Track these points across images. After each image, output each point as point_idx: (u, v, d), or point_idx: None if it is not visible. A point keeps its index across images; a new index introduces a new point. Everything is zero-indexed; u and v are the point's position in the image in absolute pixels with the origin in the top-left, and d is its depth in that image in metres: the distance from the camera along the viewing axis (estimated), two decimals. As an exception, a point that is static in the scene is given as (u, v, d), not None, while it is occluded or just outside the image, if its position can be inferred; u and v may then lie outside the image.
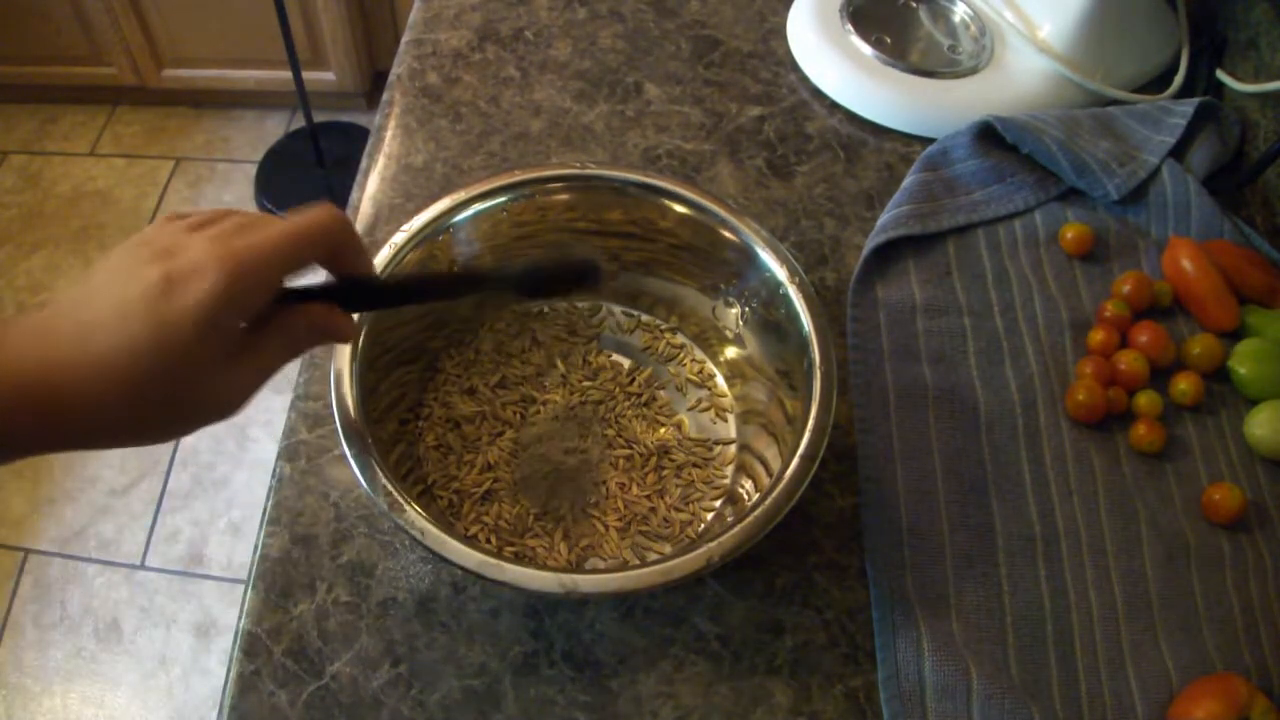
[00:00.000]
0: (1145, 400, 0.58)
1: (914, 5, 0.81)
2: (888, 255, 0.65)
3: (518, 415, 0.58)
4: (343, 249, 0.40)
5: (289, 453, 0.57)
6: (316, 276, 0.41)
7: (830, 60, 0.76)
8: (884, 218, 0.67)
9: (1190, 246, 0.62)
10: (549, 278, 0.47)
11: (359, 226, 0.68)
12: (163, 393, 0.35)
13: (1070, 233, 0.65)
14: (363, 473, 0.46)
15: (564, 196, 0.59)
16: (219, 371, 0.36)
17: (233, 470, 1.61)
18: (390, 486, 0.46)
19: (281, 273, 0.37)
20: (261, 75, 1.96)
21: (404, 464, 0.54)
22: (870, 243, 0.65)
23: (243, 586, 0.53)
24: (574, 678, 0.50)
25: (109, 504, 1.58)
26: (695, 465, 0.57)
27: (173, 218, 0.38)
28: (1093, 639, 0.51)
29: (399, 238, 0.54)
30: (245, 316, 0.37)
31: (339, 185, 1.93)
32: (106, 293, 0.35)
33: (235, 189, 1.98)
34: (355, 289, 0.42)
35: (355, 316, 0.46)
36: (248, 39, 1.88)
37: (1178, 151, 0.68)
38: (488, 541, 0.54)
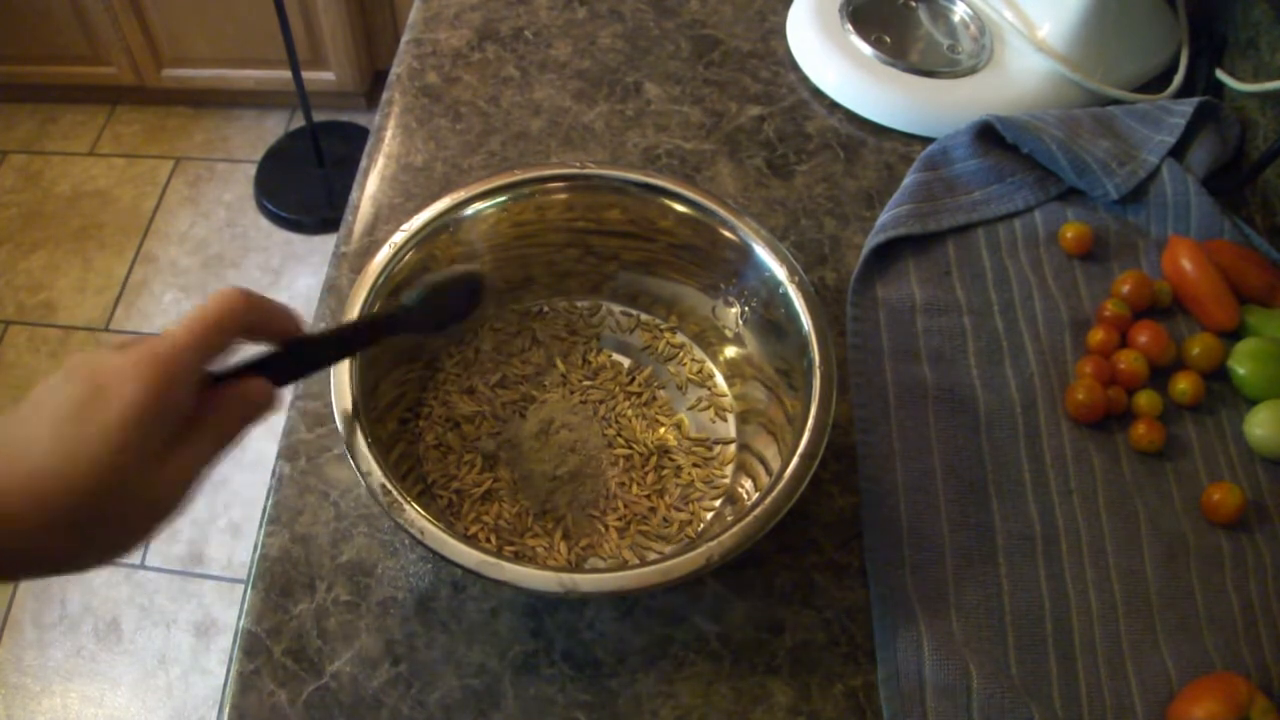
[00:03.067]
0: (1145, 400, 0.58)
1: (914, 5, 0.81)
2: (887, 254, 0.65)
3: (518, 415, 0.58)
4: (258, 321, 0.41)
5: (289, 452, 0.57)
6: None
7: (830, 60, 0.76)
8: (884, 217, 0.67)
9: (1190, 246, 0.62)
10: (440, 296, 0.48)
11: (359, 227, 0.68)
12: (96, 507, 0.35)
13: (1070, 232, 0.65)
14: (362, 472, 0.46)
15: (564, 196, 0.59)
16: (150, 471, 0.36)
17: (232, 470, 1.60)
18: (390, 485, 0.46)
19: (200, 358, 0.38)
20: (261, 75, 1.96)
21: (404, 463, 0.54)
22: (870, 242, 0.65)
23: (243, 586, 0.53)
24: (574, 677, 0.50)
25: (109, 504, 1.58)
26: (695, 465, 0.57)
27: (98, 348, 0.39)
28: (1092, 638, 0.51)
29: (399, 237, 0.54)
30: (175, 410, 0.37)
31: (338, 185, 1.93)
32: (38, 412, 0.36)
33: (235, 189, 1.98)
34: (277, 359, 0.42)
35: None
36: (247, 39, 1.88)
37: (1177, 151, 0.68)
38: (487, 541, 0.54)
